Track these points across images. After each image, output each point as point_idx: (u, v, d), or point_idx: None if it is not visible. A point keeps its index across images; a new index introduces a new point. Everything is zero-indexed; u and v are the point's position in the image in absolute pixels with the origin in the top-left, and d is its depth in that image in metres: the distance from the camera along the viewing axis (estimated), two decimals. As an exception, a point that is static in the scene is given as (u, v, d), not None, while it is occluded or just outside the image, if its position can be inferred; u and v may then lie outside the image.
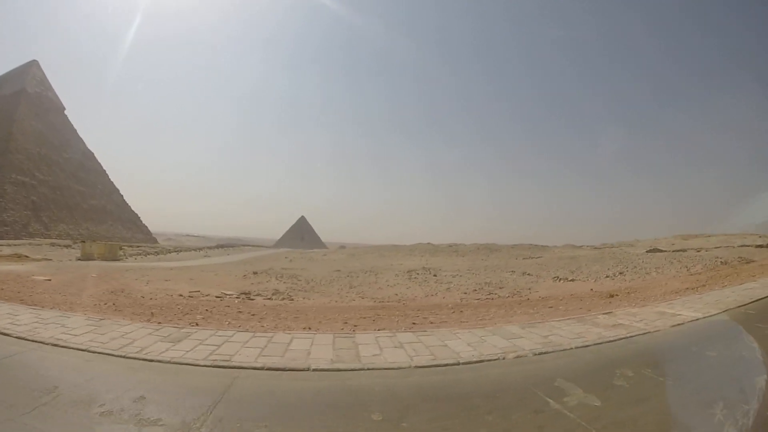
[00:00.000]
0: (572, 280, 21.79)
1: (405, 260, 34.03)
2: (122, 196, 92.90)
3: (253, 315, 9.30)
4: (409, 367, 5.81)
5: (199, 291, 14.66)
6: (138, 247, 57.43)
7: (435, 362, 5.97)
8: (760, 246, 54.23)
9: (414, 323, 8.46)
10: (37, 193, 67.27)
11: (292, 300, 12.49)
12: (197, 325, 8.20)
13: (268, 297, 13.01)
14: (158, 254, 37.65)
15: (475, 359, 6.12)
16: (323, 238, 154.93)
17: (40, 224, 65.54)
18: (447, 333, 7.59)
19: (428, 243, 64.56)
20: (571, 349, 6.72)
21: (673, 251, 56.62)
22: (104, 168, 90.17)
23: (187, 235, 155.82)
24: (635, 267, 27.46)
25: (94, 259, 27.72)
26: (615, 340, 7.13)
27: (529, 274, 23.72)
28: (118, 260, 29.23)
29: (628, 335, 7.36)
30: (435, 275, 19.54)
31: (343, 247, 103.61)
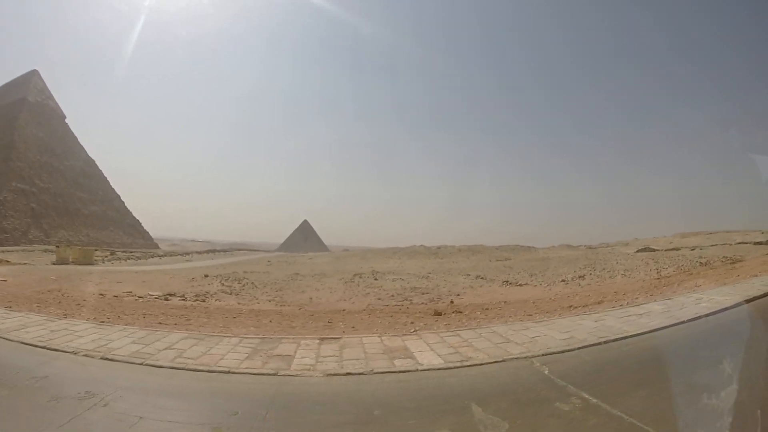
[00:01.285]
0: (521, 285, 21.72)
1: (377, 263, 34.60)
2: (123, 202, 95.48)
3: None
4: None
5: (131, 291, 15.60)
6: (130, 252, 59.36)
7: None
8: (759, 243, 53.11)
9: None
10: (37, 200, 69.98)
11: (204, 302, 13.27)
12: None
13: (184, 298, 13.81)
14: (139, 259, 39.02)
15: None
16: (330, 240, 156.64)
17: (40, 231, 68.13)
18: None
19: (421, 245, 65.07)
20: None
21: (666, 250, 55.97)
22: (106, 174, 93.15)
23: (193, 241, 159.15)
24: (605, 269, 27.18)
25: (69, 263, 29.06)
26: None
27: (482, 278, 23.94)
28: (93, 264, 30.51)
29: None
30: (376, 279, 20.09)
31: (346, 250, 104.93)
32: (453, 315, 10.19)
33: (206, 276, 21.45)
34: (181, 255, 48.55)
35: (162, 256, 44.97)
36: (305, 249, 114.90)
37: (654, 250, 56.17)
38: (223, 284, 18.24)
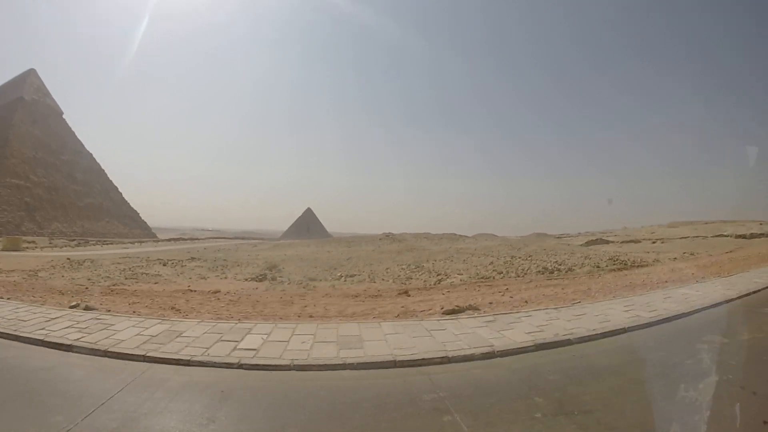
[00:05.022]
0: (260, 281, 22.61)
1: (288, 249, 39.71)
2: (121, 194, 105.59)
3: None
4: None
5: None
6: (104, 240, 68.07)
7: None
8: (741, 236, 52.82)
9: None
10: (31, 194, 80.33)
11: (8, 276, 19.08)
12: None
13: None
14: (79, 245, 46.48)
15: None
16: (336, 228, 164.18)
17: (34, 223, 78.47)
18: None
19: (389, 232, 69.65)
20: None
21: (622, 242, 57.14)
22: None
23: (202, 230, 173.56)
24: (432, 269, 27.56)
25: (-1, 251, 36.38)
26: None
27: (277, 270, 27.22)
28: (19, 251, 37.56)
29: None
30: (183, 266, 25.54)
31: (353, 236, 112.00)
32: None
33: (68, 259, 27.54)
34: (131, 243, 56.07)
35: (105, 244, 52.41)
36: (308, 237, 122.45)
37: (607, 242, 57.12)
38: (63, 265, 24.10)
